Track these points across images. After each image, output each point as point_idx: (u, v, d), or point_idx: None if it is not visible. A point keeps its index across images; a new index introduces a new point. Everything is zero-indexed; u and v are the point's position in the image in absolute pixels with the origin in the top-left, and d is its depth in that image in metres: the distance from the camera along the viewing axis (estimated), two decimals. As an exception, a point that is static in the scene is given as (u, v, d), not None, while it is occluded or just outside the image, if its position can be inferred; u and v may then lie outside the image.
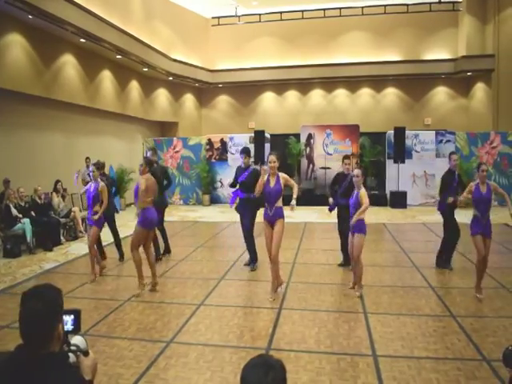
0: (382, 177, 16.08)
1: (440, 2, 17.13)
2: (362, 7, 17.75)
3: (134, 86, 16.78)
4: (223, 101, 21.55)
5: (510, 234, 10.17)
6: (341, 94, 20.34)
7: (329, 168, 15.92)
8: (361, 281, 5.95)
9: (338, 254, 8.07)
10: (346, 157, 7.35)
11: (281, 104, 20.92)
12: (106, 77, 14.70)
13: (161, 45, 17.15)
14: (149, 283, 6.42)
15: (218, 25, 19.33)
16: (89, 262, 7.11)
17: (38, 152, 11.46)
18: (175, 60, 18.14)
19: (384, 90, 19.98)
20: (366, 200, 5.77)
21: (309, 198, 15.04)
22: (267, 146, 15.94)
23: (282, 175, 5.99)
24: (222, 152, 16.39)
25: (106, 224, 7.69)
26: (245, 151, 7.59)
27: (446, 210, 7.18)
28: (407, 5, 17.49)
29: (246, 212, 7.45)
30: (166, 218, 9.17)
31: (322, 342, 4.54)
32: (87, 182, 12.57)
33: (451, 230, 7.19)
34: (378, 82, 19.80)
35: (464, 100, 19.36)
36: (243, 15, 18.70)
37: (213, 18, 19.93)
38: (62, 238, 9.84)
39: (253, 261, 7.51)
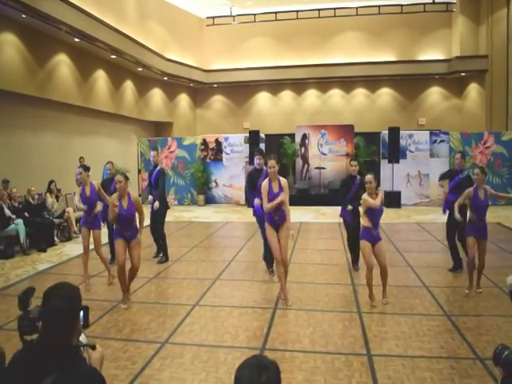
0: (376, 177, 16.09)
1: (434, 3, 17.21)
2: (357, 8, 17.83)
3: (129, 86, 16.74)
4: (218, 101, 21.54)
5: (504, 233, 10.22)
6: (335, 94, 20.40)
7: (323, 168, 15.96)
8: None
9: (332, 254, 8.11)
10: (353, 159, 7.22)
11: (276, 104, 20.94)
12: (101, 76, 14.66)
13: (155, 45, 17.12)
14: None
15: (213, 25, 19.34)
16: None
17: (31, 152, 11.41)
18: (170, 60, 18.12)
19: (378, 90, 20.05)
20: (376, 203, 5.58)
21: (304, 198, 15.06)
22: (262, 146, 15.93)
23: (284, 180, 5.75)
24: (216, 152, 16.37)
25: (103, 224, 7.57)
26: (260, 151, 7.15)
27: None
28: (401, 5, 17.58)
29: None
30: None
31: (316, 342, 4.55)
32: (81, 183, 12.52)
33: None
34: (372, 82, 19.87)
35: (458, 100, 19.46)
36: (238, 15, 18.73)
37: (207, 17, 19.94)
38: (55, 238, 9.80)
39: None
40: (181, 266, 7.74)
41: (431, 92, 19.72)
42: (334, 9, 18.16)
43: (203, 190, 16.29)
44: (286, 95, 20.86)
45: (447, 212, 7.09)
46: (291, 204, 6.03)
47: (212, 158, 16.45)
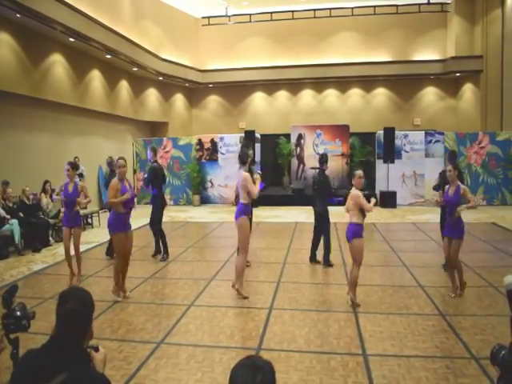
0: (371, 177, 16.14)
1: (429, 3, 17.27)
2: (352, 8, 17.86)
3: (124, 86, 16.69)
4: (213, 101, 21.51)
5: (498, 233, 10.26)
6: (331, 94, 20.42)
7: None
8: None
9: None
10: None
11: (271, 104, 20.94)
12: (96, 76, 14.60)
13: (151, 45, 17.08)
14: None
15: (209, 25, 19.31)
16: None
17: (25, 152, 11.34)
18: (165, 60, 18.08)
19: (374, 90, 20.09)
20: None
21: (299, 198, 15.06)
22: (257, 146, 15.93)
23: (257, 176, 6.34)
24: (212, 152, 16.35)
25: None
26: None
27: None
28: (397, 6, 17.61)
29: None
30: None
31: (312, 342, 4.55)
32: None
33: None
34: (367, 83, 19.91)
35: (453, 100, 19.53)
36: (233, 15, 18.71)
37: (203, 17, 19.90)
38: (50, 238, 9.76)
39: None
40: (176, 266, 7.73)
41: (426, 92, 19.78)
42: (330, 9, 18.16)
43: (198, 190, 16.26)
44: (282, 95, 20.86)
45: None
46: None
47: (207, 158, 16.43)
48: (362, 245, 5.61)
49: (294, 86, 20.50)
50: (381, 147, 15.12)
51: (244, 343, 4.56)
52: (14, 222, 8.85)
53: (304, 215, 13.08)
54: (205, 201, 16.28)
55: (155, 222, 8.27)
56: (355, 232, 5.57)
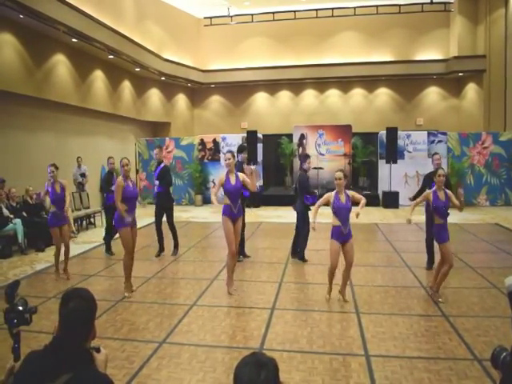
0: (374, 177, 16.14)
1: (432, 3, 17.24)
2: (355, 8, 17.83)
3: (126, 86, 16.72)
4: (215, 101, 21.53)
5: (502, 234, 10.23)
6: (333, 94, 20.40)
7: (321, 168, 15.92)
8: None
9: (328, 254, 8.08)
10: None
11: (273, 104, 20.94)
12: (98, 77, 14.63)
13: (153, 45, 17.11)
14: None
15: (211, 25, 19.33)
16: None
17: (29, 152, 11.38)
18: (167, 60, 18.10)
19: (376, 90, 20.07)
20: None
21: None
22: (260, 146, 15.93)
23: (241, 174, 6.18)
24: (214, 152, 16.36)
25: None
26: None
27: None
28: (399, 5, 17.58)
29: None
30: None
31: (314, 342, 4.54)
32: (79, 183, 12.55)
33: None
34: (370, 83, 19.89)
35: (456, 100, 19.49)
36: (235, 15, 18.71)
37: (205, 18, 19.92)
38: (53, 238, 9.76)
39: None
40: (178, 265, 7.73)
41: (429, 92, 19.75)
42: (332, 9, 18.15)
43: (201, 190, 16.27)
44: (284, 95, 20.86)
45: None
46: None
47: (210, 158, 16.43)
48: (331, 247, 5.72)
49: (296, 85, 20.49)
50: (383, 147, 15.10)
51: (246, 343, 4.56)
52: (18, 221, 8.88)
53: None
54: (207, 201, 16.27)
55: (169, 219, 8.53)
56: (331, 233, 5.71)
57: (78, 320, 1.80)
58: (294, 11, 18.25)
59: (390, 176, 14.72)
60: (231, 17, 18.60)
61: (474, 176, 14.83)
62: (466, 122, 18.46)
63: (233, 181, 6.04)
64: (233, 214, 6.07)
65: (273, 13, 18.15)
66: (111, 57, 14.28)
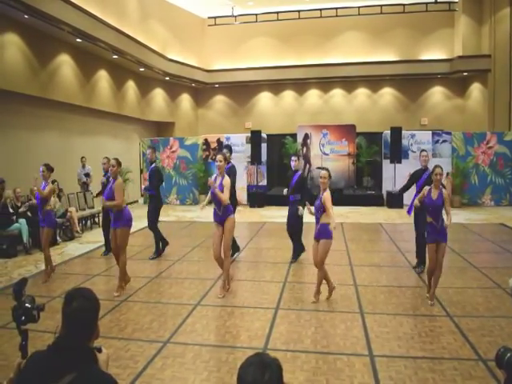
0: (378, 177, 16.10)
1: (436, 3, 17.18)
2: (359, 7, 17.80)
3: (131, 86, 16.76)
4: (220, 101, 21.54)
5: (506, 234, 10.19)
6: (337, 94, 20.38)
7: (325, 168, 15.90)
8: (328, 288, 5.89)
9: (333, 254, 8.07)
10: (294, 154, 7.96)
11: (277, 104, 20.93)
12: (103, 77, 14.67)
13: (157, 45, 17.14)
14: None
15: (215, 25, 19.34)
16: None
17: (33, 152, 11.42)
18: (171, 60, 18.13)
19: (380, 90, 20.02)
20: (329, 204, 5.63)
21: (306, 198, 15.00)
22: (264, 146, 15.93)
23: (227, 180, 6.16)
24: (218, 152, 16.33)
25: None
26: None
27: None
28: (403, 5, 17.54)
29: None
30: (163, 217, 9.20)
31: (318, 342, 4.54)
32: (83, 183, 12.59)
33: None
34: (374, 82, 19.84)
35: (460, 100, 19.42)
36: (239, 15, 18.72)
37: (209, 17, 19.94)
38: (58, 238, 9.80)
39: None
40: (182, 265, 7.74)
41: (433, 92, 19.68)
42: (336, 8, 18.13)
43: (205, 190, 16.25)
44: (288, 95, 20.85)
45: (411, 214, 7.13)
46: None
47: (214, 157, 16.42)
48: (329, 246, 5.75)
49: (300, 85, 20.47)
50: (387, 147, 15.06)
51: (250, 343, 4.56)
52: (22, 221, 8.92)
53: (310, 215, 13.05)
54: (211, 201, 16.27)
55: (148, 222, 8.45)
56: (325, 232, 5.69)
57: (82, 320, 1.80)
58: (298, 11, 18.24)
59: (395, 176, 14.67)
60: (235, 17, 18.60)
61: (479, 176, 14.77)
62: (471, 121, 18.39)
63: (218, 184, 6.06)
64: (218, 218, 6.10)
65: (277, 13, 18.15)
66: (115, 57, 14.32)
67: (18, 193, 9.39)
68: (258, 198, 15.38)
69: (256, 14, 18.51)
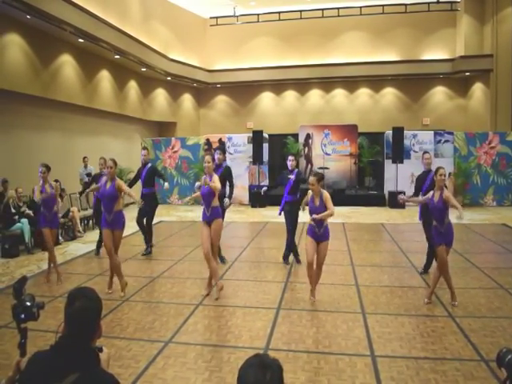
0: (380, 177, 16.09)
1: (438, 2, 17.16)
2: (361, 7, 17.77)
3: (133, 86, 16.77)
4: (221, 101, 21.54)
5: (509, 234, 10.17)
6: (339, 94, 20.36)
7: (327, 168, 15.91)
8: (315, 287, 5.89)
9: (335, 254, 8.08)
10: (291, 154, 7.99)
11: (279, 104, 20.92)
12: (105, 77, 14.69)
13: (159, 45, 17.14)
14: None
15: (216, 25, 19.34)
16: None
17: (36, 152, 11.43)
18: (173, 60, 18.13)
19: (382, 90, 20.00)
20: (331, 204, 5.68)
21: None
22: (265, 146, 15.93)
23: (216, 177, 6.15)
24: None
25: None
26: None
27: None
28: (405, 5, 17.51)
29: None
30: (165, 217, 9.21)
31: (320, 342, 4.54)
32: (85, 183, 12.60)
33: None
34: (376, 82, 19.82)
35: (462, 100, 19.39)
36: (241, 15, 18.70)
37: (211, 18, 19.94)
38: (60, 238, 9.81)
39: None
40: (184, 265, 7.74)
41: (435, 92, 19.65)
42: (338, 8, 18.10)
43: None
44: (290, 95, 20.84)
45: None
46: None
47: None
48: (306, 242, 5.85)
49: (302, 85, 20.46)
50: (389, 147, 15.05)
51: (252, 343, 4.56)
52: (24, 221, 8.93)
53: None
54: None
55: (148, 220, 8.60)
56: (328, 233, 5.80)
57: (84, 319, 1.80)
58: (300, 11, 18.22)
59: (397, 176, 14.67)
60: (237, 17, 18.60)
61: (481, 176, 14.75)
62: (473, 121, 18.35)
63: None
64: (205, 217, 6.13)
65: (278, 13, 18.14)
66: (117, 57, 14.32)
67: (19, 193, 9.40)
68: (259, 198, 15.38)
69: (258, 14, 18.50)
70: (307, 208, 5.95)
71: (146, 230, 8.60)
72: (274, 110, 20.86)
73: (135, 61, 15.13)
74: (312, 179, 5.70)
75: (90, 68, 13.69)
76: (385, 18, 18.35)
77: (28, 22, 10.56)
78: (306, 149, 16.64)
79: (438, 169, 5.65)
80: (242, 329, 4.92)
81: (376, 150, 16.30)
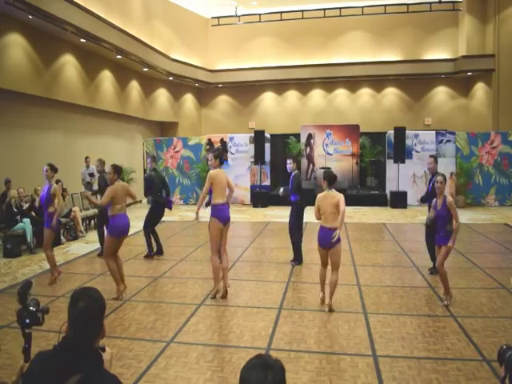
0: (382, 177, 16.08)
1: (440, 2, 17.13)
2: (362, 7, 17.74)
3: (134, 86, 16.79)
4: (223, 101, 21.55)
5: (511, 234, 10.15)
6: (341, 93, 20.35)
7: (329, 168, 15.89)
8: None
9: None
10: (288, 157, 7.92)
11: (281, 104, 20.92)
12: (106, 77, 14.71)
13: (161, 45, 17.16)
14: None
15: (218, 25, 19.34)
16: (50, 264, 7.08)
17: (38, 152, 11.46)
18: (175, 60, 18.15)
19: (384, 89, 19.98)
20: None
21: (309, 198, 15.01)
22: (267, 145, 15.93)
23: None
24: (222, 152, 16.36)
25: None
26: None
27: None
28: (407, 5, 17.49)
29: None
30: (166, 217, 9.22)
31: (322, 342, 4.54)
32: (87, 183, 12.61)
33: None
34: (378, 82, 19.81)
35: (464, 100, 19.36)
36: (243, 15, 18.71)
37: (213, 18, 19.94)
38: (62, 237, 9.84)
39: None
40: (186, 265, 7.75)
41: (437, 92, 19.63)
42: (340, 8, 18.09)
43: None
44: (291, 95, 20.83)
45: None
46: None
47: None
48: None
49: (304, 85, 20.46)
50: (391, 147, 15.03)
51: (253, 343, 4.56)
52: (26, 221, 8.95)
53: (313, 215, 13.04)
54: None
55: (149, 225, 8.47)
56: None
57: (88, 319, 1.79)
58: (302, 11, 18.21)
59: (398, 176, 14.65)
60: (239, 17, 18.60)
61: (483, 176, 14.72)
62: (475, 121, 18.32)
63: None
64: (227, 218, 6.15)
65: (280, 12, 18.13)
66: (119, 57, 14.34)
67: (21, 193, 9.42)
68: (261, 198, 15.38)
69: (259, 14, 18.50)
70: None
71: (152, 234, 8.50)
72: (275, 110, 20.86)
73: (137, 61, 15.14)
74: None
75: (91, 68, 13.70)
76: (387, 18, 18.34)
77: (30, 22, 10.58)
78: (308, 149, 16.63)
79: (436, 175, 5.69)
80: (244, 329, 4.93)
81: (378, 149, 16.29)
